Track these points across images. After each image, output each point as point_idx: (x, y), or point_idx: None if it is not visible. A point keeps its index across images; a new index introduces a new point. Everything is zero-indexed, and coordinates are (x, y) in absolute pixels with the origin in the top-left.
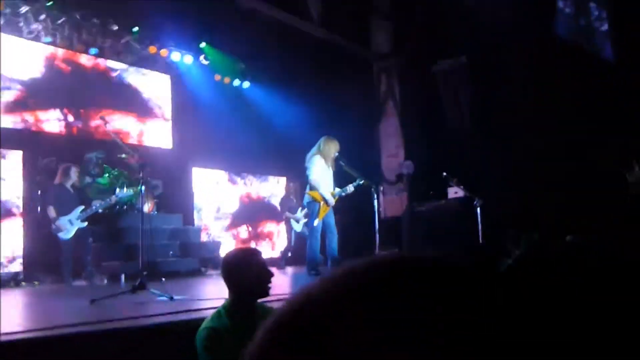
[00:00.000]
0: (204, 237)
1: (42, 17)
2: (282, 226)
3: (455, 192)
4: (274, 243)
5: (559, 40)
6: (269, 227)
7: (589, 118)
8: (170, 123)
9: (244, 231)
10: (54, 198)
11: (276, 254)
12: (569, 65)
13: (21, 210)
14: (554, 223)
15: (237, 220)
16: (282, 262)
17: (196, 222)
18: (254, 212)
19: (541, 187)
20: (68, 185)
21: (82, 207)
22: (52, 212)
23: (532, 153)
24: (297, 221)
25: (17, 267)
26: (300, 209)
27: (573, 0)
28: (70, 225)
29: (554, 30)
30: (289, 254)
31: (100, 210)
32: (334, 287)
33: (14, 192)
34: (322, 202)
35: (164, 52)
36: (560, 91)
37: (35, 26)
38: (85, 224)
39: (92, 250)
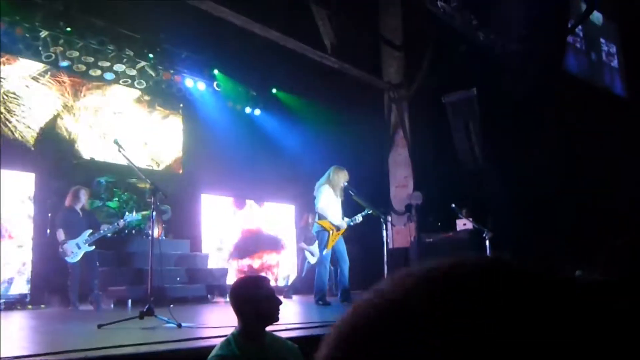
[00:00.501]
0: (211, 264)
1: (61, 42)
2: (284, 256)
3: (464, 223)
4: (275, 274)
5: (569, 75)
6: (269, 258)
7: (601, 152)
8: (181, 148)
9: (244, 264)
10: (63, 221)
11: (279, 284)
12: (579, 100)
13: (32, 232)
14: (564, 257)
15: (237, 251)
16: (290, 291)
17: (203, 247)
18: (254, 244)
19: (552, 220)
20: (78, 208)
21: (90, 230)
22: (61, 234)
23: (543, 186)
24: (312, 254)
25: (24, 289)
26: (317, 240)
27: (584, 36)
28: (77, 249)
29: (564, 65)
30: (294, 285)
31: (108, 235)
32: (419, 286)
33: (25, 213)
34: (331, 231)
35: (177, 78)
36: (571, 125)
37: (53, 50)
38: (93, 247)
39: (99, 274)
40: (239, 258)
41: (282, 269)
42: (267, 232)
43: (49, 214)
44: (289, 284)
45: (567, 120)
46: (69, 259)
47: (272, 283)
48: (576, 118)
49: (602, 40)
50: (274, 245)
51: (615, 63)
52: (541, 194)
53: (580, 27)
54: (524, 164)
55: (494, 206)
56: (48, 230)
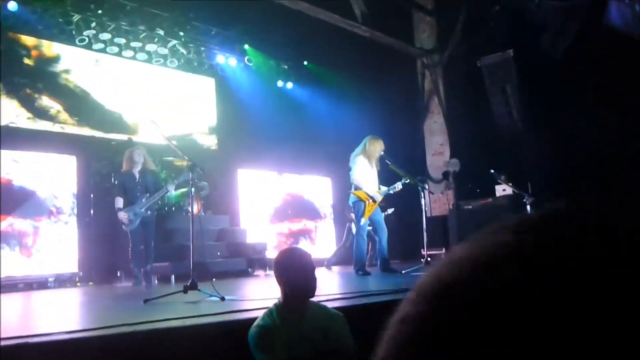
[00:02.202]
0: (250, 238)
1: (93, 24)
2: (321, 224)
3: (503, 189)
4: (312, 239)
5: (612, 29)
6: (308, 224)
7: None
8: (215, 124)
9: (285, 228)
10: (119, 187)
11: (316, 250)
12: (622, 56)
13: (75, 213)
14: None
15: (277, 215)
16: (331, 261)
17: (242, 222)
18: (295, 208)
19: (594, 182)
20: (135, 171)
21: (147, 194)
22: (119, 202)
23: (584, 147)
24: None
25: (73, 267)
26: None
27: None
28: (133, 216)
29: (606, 19)
30: (337, 255)
31: (164, 195)
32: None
33: (68, 195)
34: (367, 201)
35: (209, 55)
36: (614, 83)
37: (86, 33)
38: (149, 213)
39: (153, 247)
40: (279, 221)
41: (319, 236)
42: (308, 199)
43: (92, 195)
44: (333, 254)
45: (611, 78)
46: (126, 228)
47: (310, 249)
48: (620, 75)
49: None
50: (313, 212)
51: None
52: (583, 155)
53: None
54: (564, 126)
55: (534, 171)
56: (92, 211)
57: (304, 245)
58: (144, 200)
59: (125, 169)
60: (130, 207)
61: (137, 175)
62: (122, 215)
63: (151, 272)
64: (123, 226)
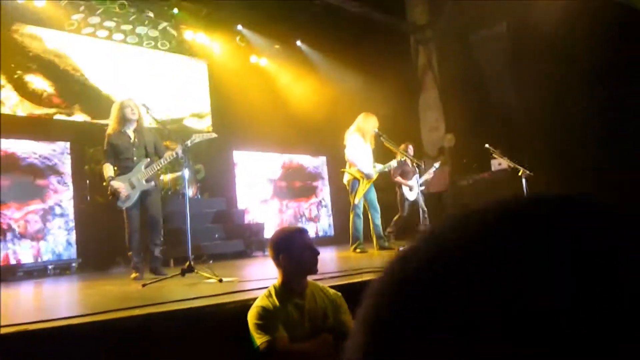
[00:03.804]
0: (247, 219)
1: (81, 9)
2: (315, 201)
3: (499, 163)
4: (316, 217)
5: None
6: (307, 201)
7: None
8: (209, 107)
9: (283, 206)
10: (110, 151)
11: (318, 228)
12: (621, 27)
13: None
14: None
15: (277, 193)
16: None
17: (239, 204)
18: (293, 188)
19: (590, 156)
20: (129, 130)
21: (147, 160)
22: (109, 170)
23: (580, 121)
24: (410, 189)
25: (71, 255)
26: (417, 175)
27: None
28: (131, 189)
29: None
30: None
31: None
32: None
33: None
34: (362, 179)
35: (199, 36)
36: (612, 56)
37: (75, 17)
38: (152, 184)
39: (161, 227)
40: (279, 199)
41: (320, 214)
42: (306, 178)
43: (87, 181)
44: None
45: (607, 48)
46: (121, 204)
47: (311, 227)
48: (618, 46)
49: None
50: (311, 190)
51: None
52: (578, 129)
53: None
54: (558, 98)
55: (529, 144)
56: (88, 197)
57: (307, 224)
58: (143, 166)
59: (116, 128)
60: (125, 176)
61: (131, 135)
62: (117, 186)
63: (159, 259)
64: (118, 202)
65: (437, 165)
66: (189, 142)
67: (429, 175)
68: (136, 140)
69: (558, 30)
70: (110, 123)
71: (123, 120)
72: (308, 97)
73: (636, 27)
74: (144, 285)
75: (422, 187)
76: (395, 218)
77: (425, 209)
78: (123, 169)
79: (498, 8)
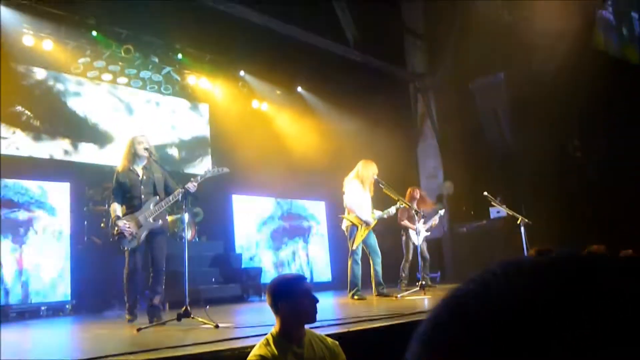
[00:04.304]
0: (245, 264)
1: (87, 52)
2: (317, 247)
3: (497, 211)
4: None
5: (599, 51)
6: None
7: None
8: (209, 150)
9: (280, 252)
10: (118, 190)
11: (314, 274)
12: (610, 77)
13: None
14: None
15: (275, 239)
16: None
17: (237, 248)
18: (290, 232)
19: (588, 206)
20: (138, 167)
21: (156, 198)
22: (116, 209)
23: (576, 169)
24: (417, 233)
25: (65, 296)
26: (422, 219)
27: (614, 10)
28: (138, 228)
29: (594, 42)
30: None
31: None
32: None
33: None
34: (360, 226)
35: (202, 81)
36: (605, 105)
37: (81, 61)
38: (160, 223)
39: (163, 270)
40: (276, 245)
41: (316, 259)
42: (303, 222)
43: (85, 222)
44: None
45: (599, 97)
46: (127, 245)
47: (306, 272)
48: (609, 95)
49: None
50: (308, 234)
51: None
52: (575, 178)
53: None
54: (556, 147)
55: (528, 192)
56: (85, 238)
57: (304, 270)
58: (151, 205)
59: (125, 165)
60: (132, 215)
61: (140, 173)
62: (124, 226)
63: (159, 309)
64: (123, 242)
65: (442, 212)
66: (199, 178)
67: (434, 220)
68: (144, 177)
69: (556, 80)
70: (121, 160)
71: (134, 157)
72: (308, 142)
73: (629, 77)
74: (139, 330)
75: (428, 233)
76: (403, 263)
77: (428, 257)
78: (130, 207)
79: (496, 58)
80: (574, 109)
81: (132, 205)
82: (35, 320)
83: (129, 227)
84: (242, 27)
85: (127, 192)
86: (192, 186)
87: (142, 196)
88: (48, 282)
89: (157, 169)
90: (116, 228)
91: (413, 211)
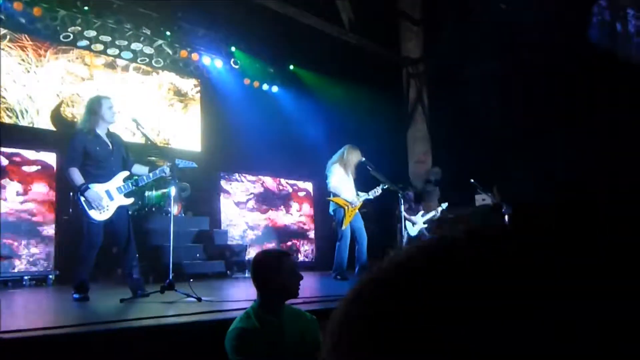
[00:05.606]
0: (230, 240)
1: (78, 21)
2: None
3: (483, 199)
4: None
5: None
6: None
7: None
8: (199, 126)
9: (263, 218)
10: (80, 154)
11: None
12: (605, 71)
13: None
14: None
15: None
16: None
17: (222, 225)
18: (280, 202)
19: (574, 195)
20: (102, 132)
21: (126, 173)
22: (75, 174)
23: (567, 162)
24: (413, 224)
25: (49, 266)
26: (421, 213)
27: (609, 5)
28: (109, 200)
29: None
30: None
31: (146, 181)
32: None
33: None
34: (346, 207)
35: (195, 56)
36: (599, 98)
37: (71, 30)
38: (131, 200)
39: (135, 247)
40: (259, 211)
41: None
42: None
43: (71, 193)
44: None
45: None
46: (94, 217)
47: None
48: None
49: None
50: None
51: None
52: (564, 169)
53: None
54: (546, 137)
55: (515, 180)
56: (70, 209)
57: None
58: (122, 179)
59: (90, 128)
60: (101, 185)
61: (107, 141)
62: (97, 195)
63: (140, 280)
64: (91, 215)
65: (444, 205)
66: (178, 162)
67: (434, 215)
68: (114, 148)
69: (551, 67)
70: (85, 119)
71: (101, 119)
72: (298, 122)
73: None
74: (122, 300)
75: (426, 225)
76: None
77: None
78: (96, 177)
79: (491, 46)
80: (569, 102)
81: (98, 174)
82: (18, 290)
83: (103, 199)
84: (236, 2)
85: (94, 160)
86: (167, 169)
87: (113, 167)
88: (32, 252)
89: (119, 138)
90: (83, 198)
91: (411, 202)
